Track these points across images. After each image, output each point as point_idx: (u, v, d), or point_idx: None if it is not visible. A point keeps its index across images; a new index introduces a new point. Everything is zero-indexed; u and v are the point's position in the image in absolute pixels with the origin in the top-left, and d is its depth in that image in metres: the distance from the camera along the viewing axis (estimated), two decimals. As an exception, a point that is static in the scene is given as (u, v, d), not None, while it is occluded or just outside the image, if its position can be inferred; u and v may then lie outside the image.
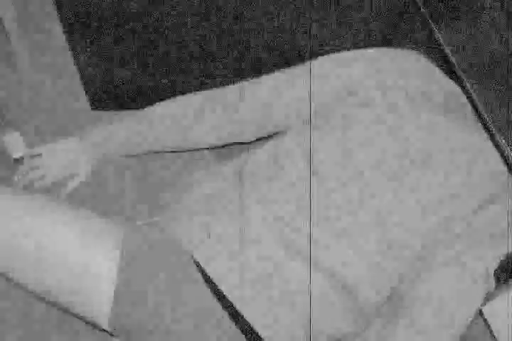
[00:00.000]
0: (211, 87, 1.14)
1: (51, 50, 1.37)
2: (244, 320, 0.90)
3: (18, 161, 1.21)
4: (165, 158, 1.21)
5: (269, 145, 1.03)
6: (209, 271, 0.91)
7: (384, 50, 1.05)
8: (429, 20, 0.99)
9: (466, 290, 0.94)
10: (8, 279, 0.99)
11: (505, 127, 0.87)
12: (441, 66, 1.07)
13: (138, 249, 0.94)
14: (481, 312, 1.16)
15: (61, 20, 1.10)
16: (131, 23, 1.11)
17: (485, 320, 1.16)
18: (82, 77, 1.25)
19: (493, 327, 1.16)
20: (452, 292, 0.94)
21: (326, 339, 0.95)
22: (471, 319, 0.94)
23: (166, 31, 1.12)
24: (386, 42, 1.12)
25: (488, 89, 0.88)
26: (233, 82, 1.13)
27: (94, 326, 1.02)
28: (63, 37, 1.15)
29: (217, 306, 0.90)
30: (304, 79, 1.07)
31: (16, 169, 1.20)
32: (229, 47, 1.17)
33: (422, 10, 1.01)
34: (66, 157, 1.16)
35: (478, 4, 0.88)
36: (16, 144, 1.23)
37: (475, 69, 0.90)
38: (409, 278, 0.95)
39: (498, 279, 0.96)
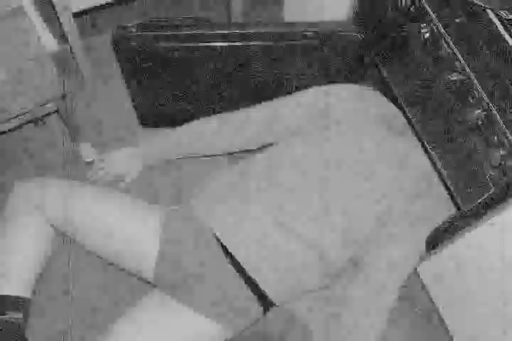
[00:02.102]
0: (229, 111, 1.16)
1: (111, 86, 1.41)
2: (247, 273, 0.93)
3: (90, 164, 1.24)
4: (191, 161, 1.26)
5: (266, 152, 1.07)
6: (224, 242, 0.94)
7: (349, 85, 1.09)
8: (379, 64, 1.01)
9: (405, 254, 0.97)
10: (82, 246, 1.04)
11: (433, 139, 0.87)
12: (387, 95, 1.09)
13: (174, 224, 0.98)
14: (416, 270, 1.16)
15: (119, 63, 1.13)
16: (172, 66, 1.14)
17: (419, 276, 1.18)
18: (134, 104, 1.31)
19: (424, 282, 1.18)
20: (396, 256, 0.96)
21: (306, 291, 1.00)
22: (409, 275, 0.99)
23: (200, 72, 1.17)
24: (348, 79, 1.14)
25: (420, 112, 0.90)
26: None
27: (143, 279, 1.04)
28: (120, 73, 1.17)
29: (230, 266, 0.93)
30: (291, 105, 1.07)
31: (88, 169, 1.26)
32: (243, 86, 1.22)
33: (373, 56, 1.03)
34: (123, 161, 1.22)
35: (412, 52, 0.90)
36: (88, 152, 1.30)
37: (410, 98, 0.92)
38: (365, 247, 0.98)
39: (428, 247, 0.97)
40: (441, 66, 0.84)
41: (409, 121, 1.00)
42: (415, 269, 1.19)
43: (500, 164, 0.76)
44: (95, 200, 0.99)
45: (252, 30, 1.07)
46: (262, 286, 0.93)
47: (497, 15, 0.79)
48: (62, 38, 1.32)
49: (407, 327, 1.15)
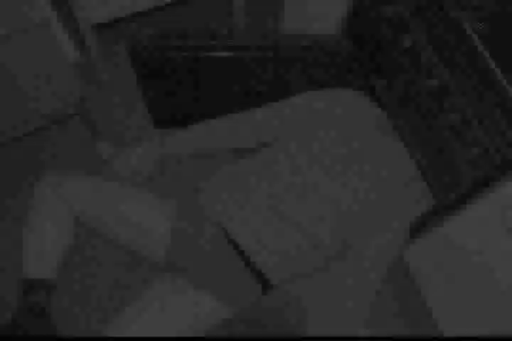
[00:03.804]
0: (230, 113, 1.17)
1: (127, 90, 1.41)
2: (248, 256, 0.94)
3: (107, 160, 1.23)
4: (200, 158, 1.26)
5: (265, 150, 1.07)
6: (228, 229, 0.94)
7: (339, 89, 1.12)
8: (366, 71, 1.01)
9: (391, 241, 0.98)
10: (100, 233, 1.04)
11: (415, 138, 0.87)
12: (373, 99, 1.09)
13: (185, 214, 0.99)
14: (401, 256, 1.18)
15: (133, 68, 1.14)
16: (180, 73, 1.15)
17: (403, 261, 1.19)
18: (148, 106, 1.31)
19: (410, 266, 1.18)
20: (383, 242, 0.97)
21: (301, 272, 1.00)
22: (394, 260, 1.00)
23: (204, 79, 1.17)
24: (339, 85, 1.14)
25: (403, 114, 0.90)
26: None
27: (154, 263, 1.05)
28: (135, 79, 1.17)
29: (232, 250, 0.94)
30: (287, 108, 1.08)
31: (105, 165, 1.22)
32: (244, 91, 1.22)
33: (361, 64, 1.03)
34: (138, 157, 1.18)
35: (395, 60, 0.90)
36: (105, 149, 1.29)
37: (394, 101, 0.92)
38: (354, 234, 0.98)
39: (410, 234, 0.98)
40: (421, 72, 0.84)
41: (393, 122, 1.01)
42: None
43: (474, 161, 0.77)
44: (112, 192, 1.00)
45: (252, 42, 1.09)
46: (260, 268, 0.94)
47: (472, 27, 0.79)
48: (83, 47, 1.32)
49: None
